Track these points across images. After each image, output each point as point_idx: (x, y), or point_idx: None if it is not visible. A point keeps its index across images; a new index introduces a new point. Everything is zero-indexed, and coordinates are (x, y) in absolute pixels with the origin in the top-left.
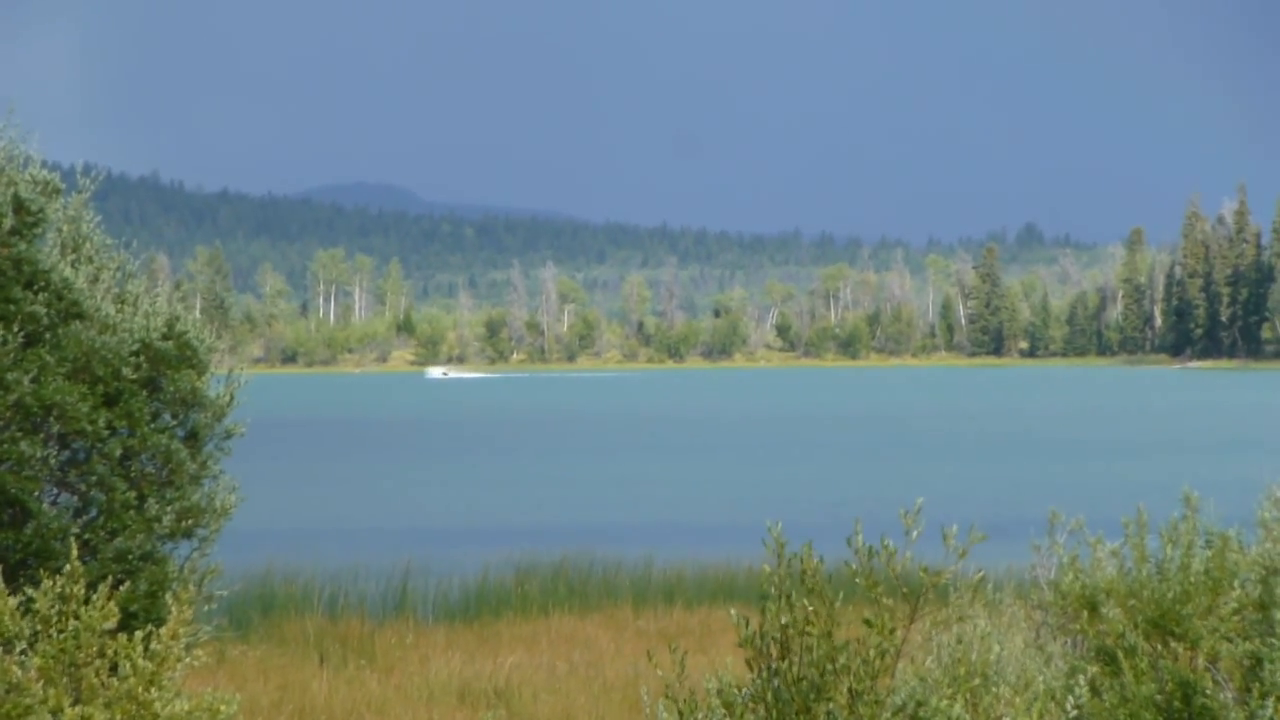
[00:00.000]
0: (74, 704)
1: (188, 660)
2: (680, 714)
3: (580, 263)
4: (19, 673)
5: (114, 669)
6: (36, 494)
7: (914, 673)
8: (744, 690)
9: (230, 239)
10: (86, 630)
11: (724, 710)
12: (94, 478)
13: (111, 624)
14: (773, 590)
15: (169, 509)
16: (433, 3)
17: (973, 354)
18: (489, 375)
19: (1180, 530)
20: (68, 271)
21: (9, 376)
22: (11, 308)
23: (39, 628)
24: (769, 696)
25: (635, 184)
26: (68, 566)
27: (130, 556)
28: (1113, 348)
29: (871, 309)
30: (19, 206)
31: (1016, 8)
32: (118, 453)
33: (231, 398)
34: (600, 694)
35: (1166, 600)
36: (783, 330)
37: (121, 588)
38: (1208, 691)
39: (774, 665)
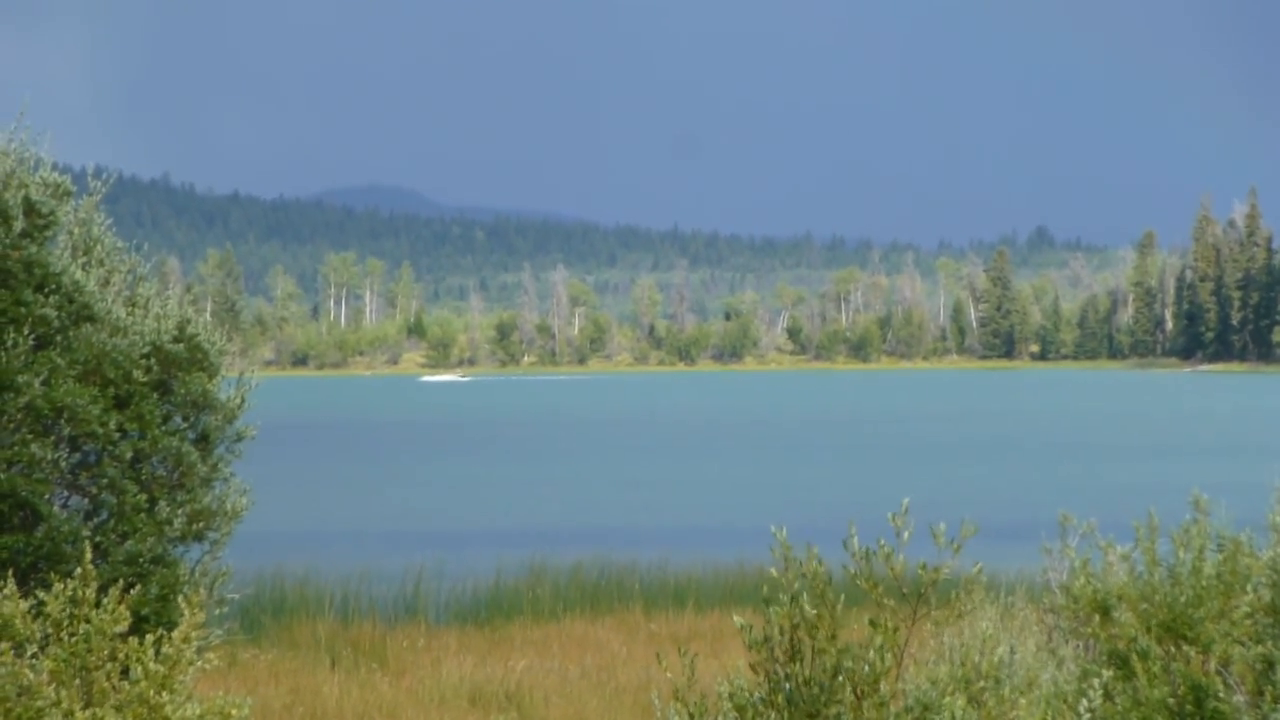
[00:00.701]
0: (85, 707)
1: (199, 664)
2: (691, 718)
3: (591, 265)
4: (30, 676)
5: (125, 672)
6: (47, 497)
7: (924, 676)
8: (755, 694)
9: (241, 242)
10: (98, 634)
11: (736, 714)
12: (105, 480)
13: (123, 627)
14: (780, 594)
15: (180, 512)
16: (444, 6)
17: (984, 357)
18: (504, 377)
19: (1192, 534)
20: (79, 274)
21: (20, 379)
22: (23, 310)
23: (50, 631)
24: (779, 700)
25: (646, 187)
26: (79, 570)
27: (141, 560)
28: (1124, 351)
29: (882, 312)
30: (30, 209)
31: (1028, 11)
32: (129, 455)
33: (242, 400)
34: (612, 698)
35: (1179, 604)
36: (794, 333)
37: (133, 591)
38: (1220, 695)
39: (783, 670)
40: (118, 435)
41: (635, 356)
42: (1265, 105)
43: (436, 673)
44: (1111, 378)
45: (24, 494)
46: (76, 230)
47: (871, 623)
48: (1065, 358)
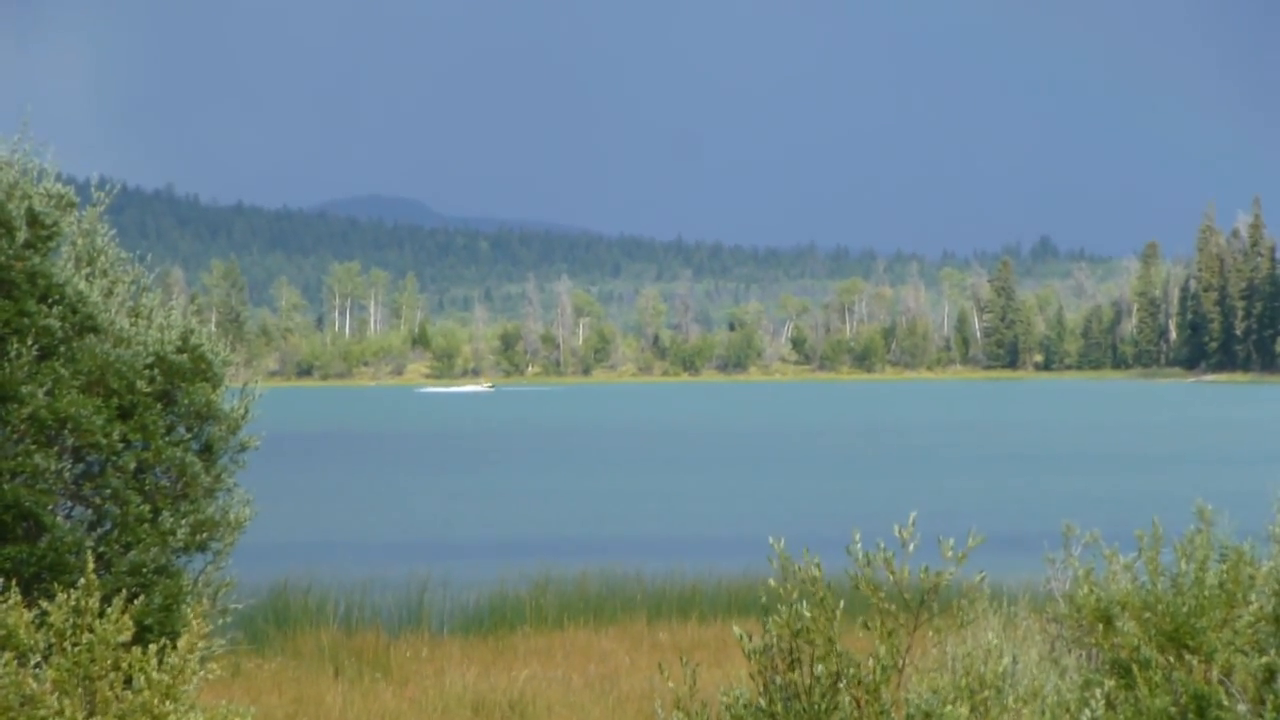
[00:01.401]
0: (88, 717)
1: (202, 673)
2: None
3: (595, 276)
4: (34, 685)
5: (128, 682)
6: (51, 507)
7: (927, 685)
8: (754, 704)
9: (245, 252)
10: (101, 643)
11: None
12: (108, 491)
13: (126, 637)
14: (779, 604)
15: (183, 522)
16: (447, 17)
17: (988, 367)
18: (531, 388)
19: (1195, 544)
20: (82, 285)
21: (24, 390)
22: (26, 321)
23: (54, 641)
24: (779, 708)
25: (650, 197)
26: (82, 580)
27: (145, 570)
28: (1127, 361)
29: (886, 322)
30: (33, 220)
31: (1030, 23)
32: (132, 466)
33: (246, 411)
34: (615, 707)
35: (1181, 614)
36: (798, 343)
37: (136, 601)
38: (1223, 704)
39: (782, 678)
40: (121, 446)
41: (639, 367)
42: (1269, 114)
43: (440, 682)
44: (1115, 388)
45: (28, 504)
46: (80, 241)
47: (865, 624)
48: (1069, 368)
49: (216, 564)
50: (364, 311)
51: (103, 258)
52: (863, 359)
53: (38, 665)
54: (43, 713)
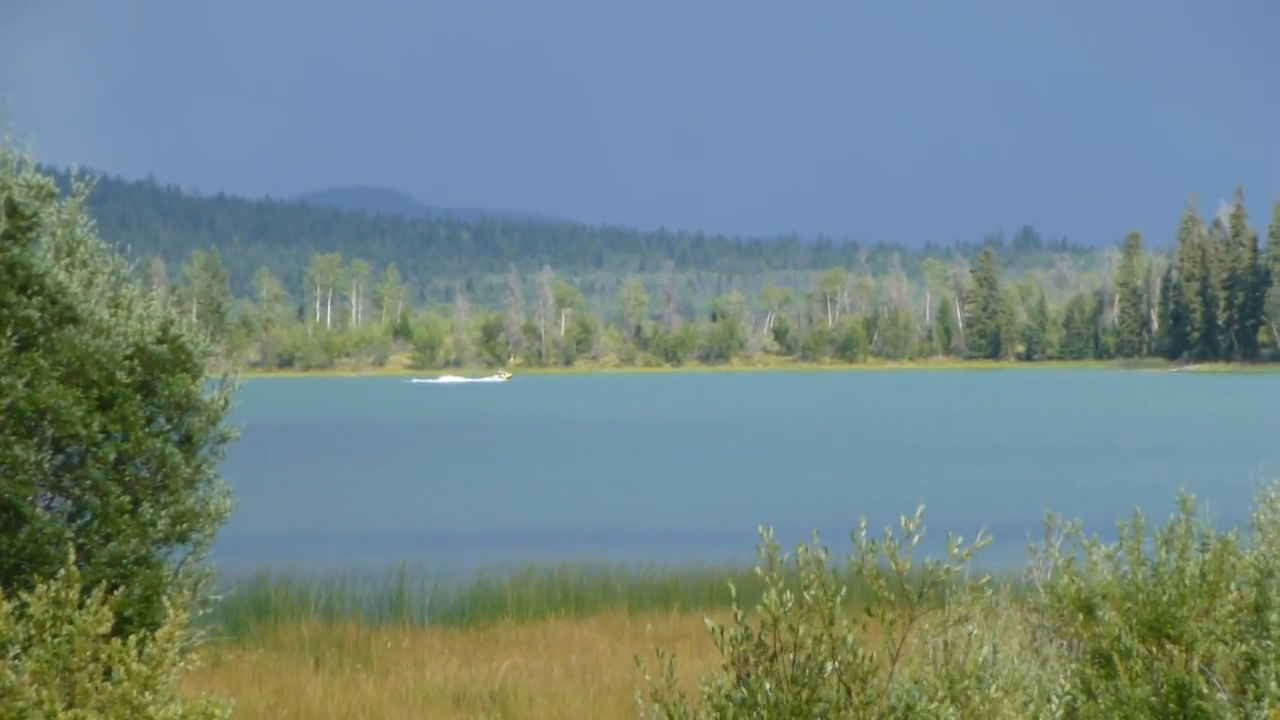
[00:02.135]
0: (68, 708)
1: (182, 664)
2: (670, 714)
3: (577, 266)
4: (13, 677)
5: (108, 673)
6: (30, 499)
7: (909, 675)
8: (735, 695)
9: (227, 243)
10: (81, 635)
11: (716, 715)
12: (88, 482)
13: (106, 628)
14: (766, 592)
15: (164, 513)
16: (429, 7)
17: (970, 357)
18: (545, 377)
19: (1176, 533)
20: (62, 276)
21: (2, 381)
22: (5, 312)
23: (33, 632)
24: (759, 699)
25: (632, 188)
26: (62, 571)
27: (125, 561)
28: (1109, 351)
29: (869, 313)
30: (13, 210)
31: (1014, 14)
32: (112, 457)
33: (226, 402)
34: (596, 698)
35: (1162, 603)
36: (780, 334)
37: (116, 592)
38: (1203, 694)
39: (764, 668)
40: (101, 437)
41: (622, 358)
42: (1251, 105)
43: (420, 673)
44: (1097, 378)
45: (7, 496)
46: (60, 232)
47: (868, 610)
48: (1051, 358)
49: (197, 555)
50: (345, 302)
51: (82, 248)
52: (845, 349)
53: (16, 657)
54: (21, 704)
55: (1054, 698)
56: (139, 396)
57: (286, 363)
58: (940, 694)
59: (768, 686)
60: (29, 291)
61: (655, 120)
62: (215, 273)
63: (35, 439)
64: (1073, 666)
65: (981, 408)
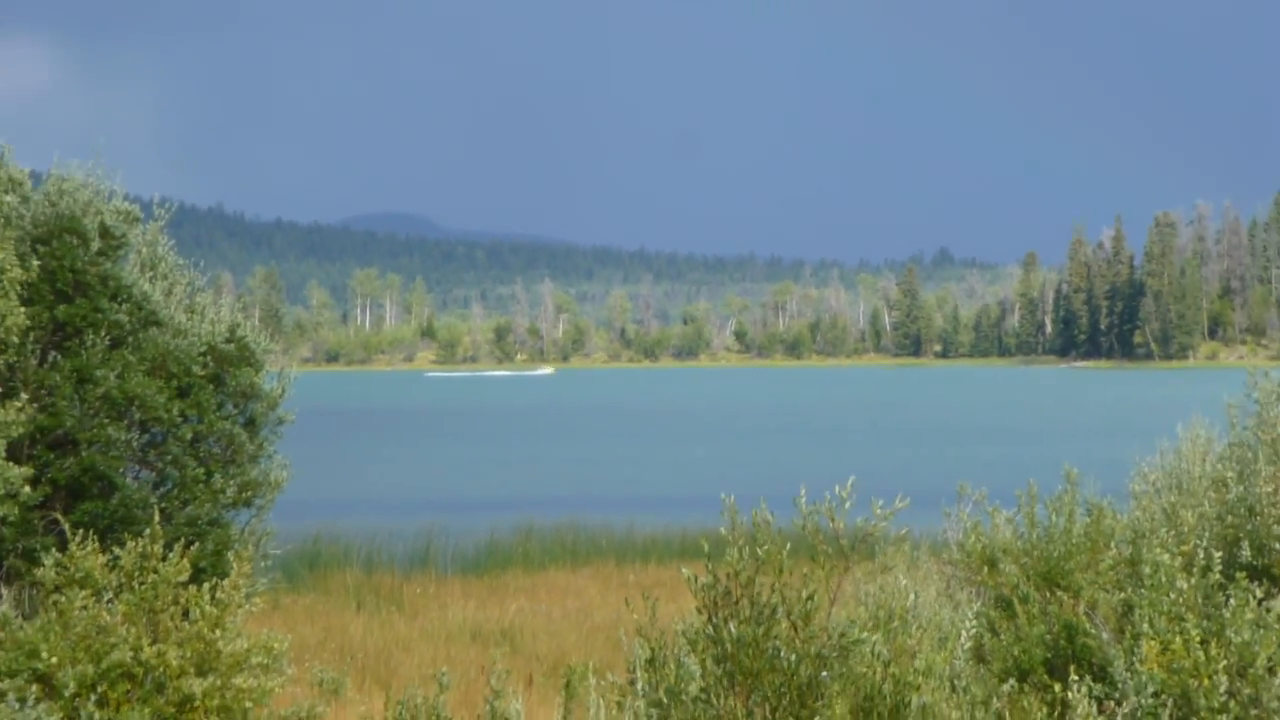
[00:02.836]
0: (152, 643)
1: (247, 607)
2: (651, 650)
3: (572, 279)
4: (107, 617)
5: (186, 614)
6: (121, 471)
7: (846, 616)
8: (704, 632)
9: (283, 260)
10: (163, 583)
11: (689, 647)
12: (169, 457)
13: (184, 577)
14: (729, 548)
15: (231, 483)
16: (451, 71)
17: (896, 355)
18: (587, 370)
19: (1064, 501)
20: (146, 286)
21: (98, 373)
22: (100, 316)
23: (124, 580)
24: (724, 635)
25: (618, 214)
26: (148, 530)
27: (199, 522)
28: (1011, 350)
29: (813, 318)
30: (105, 232)
31: (932, 63)
32: (189, 436)
33: (283, 391)
34: (588, 635)
35: (1053, 558)
36: (740, 335)
37: (192, 548)
38: (1088, 633)
39: (730, 610)
40: (179, 420)
41: (609, 355)
42: (1132, 145)
43: (444, 614)
44: (1000, 373)
45: (102, 469)
46: (144, 250)
47: (813, 558)
48: (963, 356)
49: (259, 517)
50: (381, 309)
51: (163, 264)
52: (793, 348)
53: (110, 600)
54: (114, 640)
55: (964, 635)
56: (211, 386)
57: (332, 359)
58: (873, 628)
59: (731, 625)
60: (119, 299)
61: (637, 157)
62: (273, 285)
63: (125, 422)
64: (979, 609)
65: (905, 397)
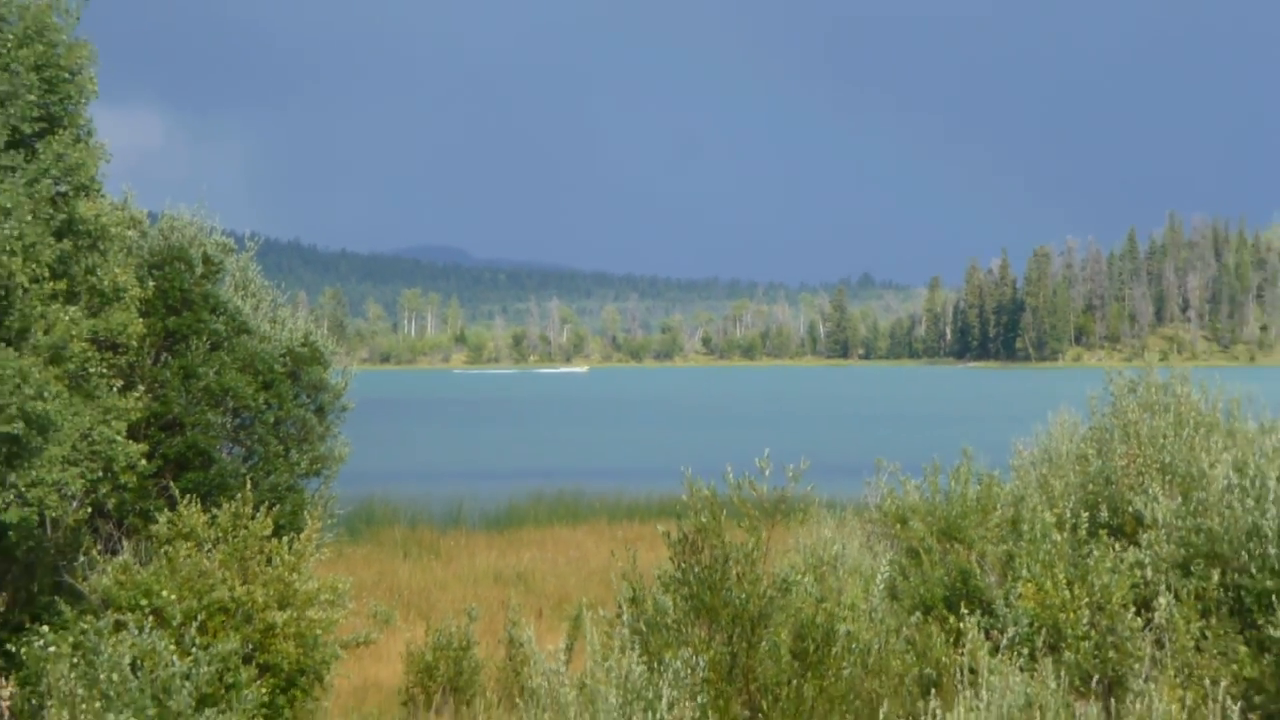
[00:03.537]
0: (243, 584)
1: (317, 555)
2: (634, 590)
3: (574, 297)
4: (207, 563)
5: (269, 561)
6: (218, 448)
7: (787, 563)
8: (674, 575)
9: (346, 282)
10: (251, 536)
11: (663, 588)
12: (255, 437)
13: (267, 532)
14: (688, 512)
15: (304, 457)
16: (479, 124)
17: (829, 357)
18: (619, 368)
19: (960, 472)
20: (239, 302)
21: (200, 370)
22: (201, 325)
23: (220, 534)
24: (690, 579)
25: (611, 244)
26: (240, 495)
27: (279, 488)
28: (919, 353)
29: (763, 328)
30: (206, 260)
31: (857, 114)
32: (271, 420)
33: (346, 384)
34: (586, 577)
35: (951, 517)
36: (706, 342)
37: (274, 509)
38: (978, 576)
39: (692, 559)
40: (264, 407)
41: (603, 357)
42: (1015, 187)
43: (472, 561)
44: (911, 371)
45: (203, 446)
46: (237, 273)
47: (739, 523)
48: (881, 358)
49: (326, 484)
50: (423, 320)
51: (252, 284)
52: (748, 352)
53: (209, 550)
54: (212, 581)
55: (880, 577)
56: (289, 381)
57: (385, 359)
58: (805, 573)
59: (695, 570)
60: (217, 312)
61: (626, 199)
62: (339, 301)
63: (221, 409)
64: (893, 557)
65: (835, 391)
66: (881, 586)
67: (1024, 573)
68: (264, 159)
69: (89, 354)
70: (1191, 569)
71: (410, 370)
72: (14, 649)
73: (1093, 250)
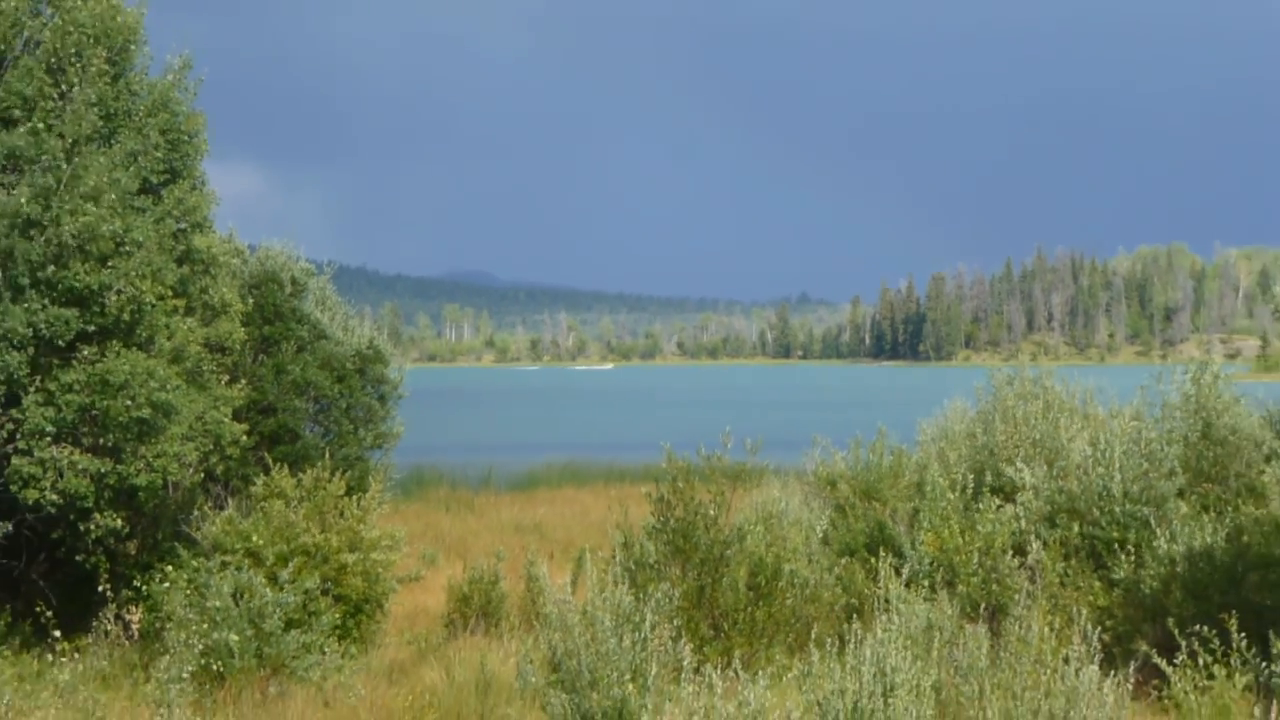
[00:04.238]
0: (321, 532)
1: (379, 511)
2: (625, 537)
3: (578, 310)
4: (294, 517)
5: (342, 515)
6: (303, 427)
7: (744, 518)
8: (656, 525)
9: (402, 299)
10: (328, 496)
11: (647, 535)
12: (332, 418)
13: (341, 492)
14: (667, 477)
15: (369, 434)
16: (498, 168)
17: (774, 358)
18: (641, 367)
19: (877, 446)
20: (318, 315)
21: (289, 367)
22: (290, 333)
23: (304, 494)
24: (668, 528)
25: (606, 267)
26: (320, 463)
27: (350, 459)
28: (845, 354)
29: (724, 335)
30: (294, 281)
31: (798, 150)
32: (344, 406)
33: (401, 378)
34: (588, 528)
35: (870, 481)
36: (680, 345)
37: (346, 475)
38: (891, 527)
39: (670, 514)
40: (338, 396)
41: (601, 358)
42: (919, 220)
43: (499, 515)
44: (839, 370)
45: (291, 425)
46: (317, 292)
47: (707, 486)
48: (816, 358)
49: (386, 456)
50: (461, 329)
51: (329, 300)
52: (712, 353)
53: (296, 506)
54: (298, 530)
55: (817, 528)
56: (358, 375)
57: (431, 359)
58: (757, 524)
59: (671, 522)
60: (302, 323)
61: (627, 222)
62: (396, 314)
63: (305, 397)
64: (827, 513)
65: (780, 383)
66: (818, 535)
67: (926, 524)
68: (337, 201)
69: (202, 355)
70: (1056, 522)
71: (450, 367)
72: (141, 585)
73: (978, 274)
